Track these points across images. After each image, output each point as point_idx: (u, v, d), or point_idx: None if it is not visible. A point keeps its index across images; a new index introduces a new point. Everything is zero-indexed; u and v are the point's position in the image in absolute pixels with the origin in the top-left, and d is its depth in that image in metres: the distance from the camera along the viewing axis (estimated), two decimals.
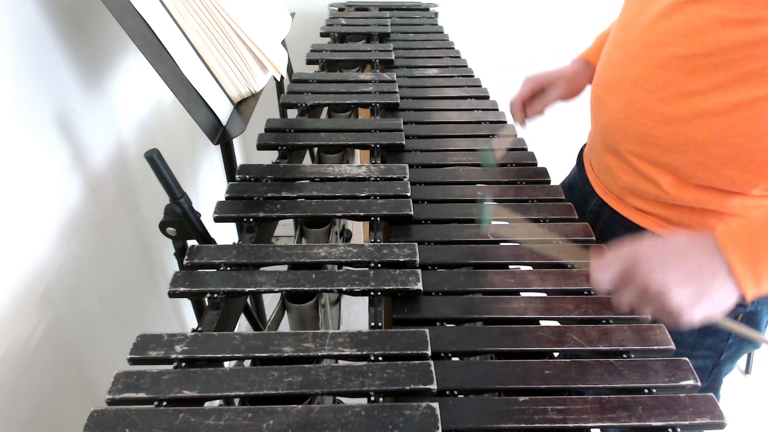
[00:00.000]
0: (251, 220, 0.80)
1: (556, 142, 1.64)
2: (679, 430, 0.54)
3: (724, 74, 0.63)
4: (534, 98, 0.96)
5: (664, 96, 0.69)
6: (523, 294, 0.70)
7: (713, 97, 0.65)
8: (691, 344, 0.81)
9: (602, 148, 0.83)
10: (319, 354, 0.59)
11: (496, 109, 1.13)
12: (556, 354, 0.63)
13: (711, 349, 0.82)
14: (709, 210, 0.73)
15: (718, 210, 0.72)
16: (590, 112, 0.85)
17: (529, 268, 0.74)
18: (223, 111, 0.96)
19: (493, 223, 0.82)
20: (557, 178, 0.98)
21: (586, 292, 0.70)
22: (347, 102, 1.10)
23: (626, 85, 0.73)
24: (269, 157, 0.98)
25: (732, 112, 0.64)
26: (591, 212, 0.89)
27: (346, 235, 1.42)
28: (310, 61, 1.31)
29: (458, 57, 1.37)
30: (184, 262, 0.71)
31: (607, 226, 0.86)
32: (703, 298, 0.54)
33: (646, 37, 0.70)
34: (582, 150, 0.98)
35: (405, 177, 0.88)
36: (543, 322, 0.67)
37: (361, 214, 0.80)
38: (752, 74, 0.61)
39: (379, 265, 0.71)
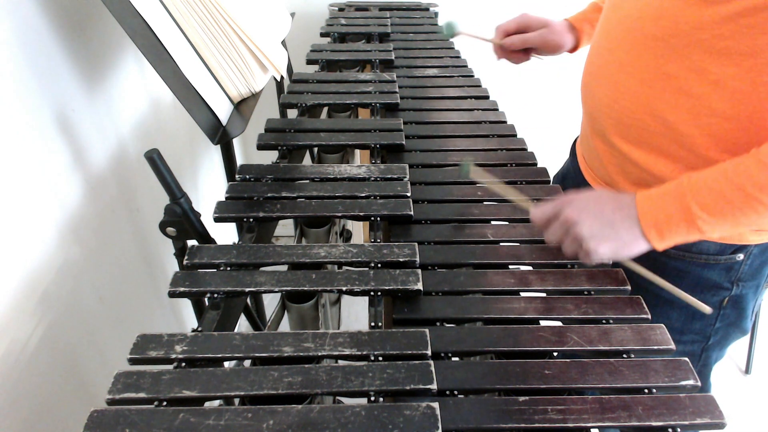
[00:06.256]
0: (251, 220, 0.80)
1: (549, 134, 1.65)
2: (679, 430, 0.54)
3: (698, 55, 0.65)
4: (517, 33, 0.97)
5: (645, 78, 0.71)
6: (523, 294, 0.70)
7: (689, 77, 0.67)
8: (680, 329, 0.83)
9: (591, 134, 0.85)
10: (319, 354, 0.59)
11: (496, 109, 1.12)
12: (556, 354, 0.63)
13: (699, 333, 0.84)
14: None
15: None
16: (581, 100, 0.86)
17: (529, 268, 0.74)
18: (223, 111, 0.96)
19: (494, 223, 0.82)
20: (551, 168, 0.98)
21: (586, 292, 0.70)
22: (347, 102, 1.10)
23: (611, 70, 0.76)
24: (269, 157, 0.98)
25: (708, 93, 0.66)
26: None
27: (346, 235, 1.42)
28: (310, 61, 1.31)
29: (458, 57, 1.37)
30: (184, 262, 0.71)
31: None
32: (610, 237, 0.65)
33: (627, 22, 0.73)
34: (575, 141, 1.00)
35: (405, 177, 0.88)
36: (543, 322, 0.67)
37: (361, 214, 0.80)
38: (723, 53, 0.63)
39: (379, 265, 0.71)
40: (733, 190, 0.60)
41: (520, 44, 0.96)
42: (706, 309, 0.66)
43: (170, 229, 0.77)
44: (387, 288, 0.68)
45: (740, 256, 0.77)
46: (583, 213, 0.65)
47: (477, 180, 0.82)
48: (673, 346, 0.63)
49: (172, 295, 0.67)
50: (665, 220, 0.63)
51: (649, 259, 0.80)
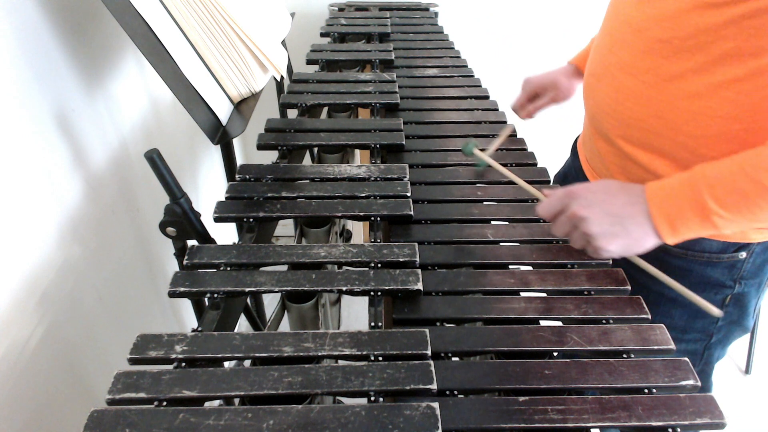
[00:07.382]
0: (251, 220, 0.80)
1: (551, 132, 1.65)
2: (679, 430, 0.54)
3: (702, 57, 0.65)
4: (529, 101, 1.06)
5: (647, 80, 0.71)
6: (523, 294, 0.70)
7: (693, 79, 0.67)
8: (682, 327, 0.83)
9: (593, 134, 0.85)
10: (319, 354, 0.59)
11: (496, 109, 1.12)
12: (556, 354, 0.63)
13: (701, 332, 0.84)
14: None
15: None
16: (583, 101, 0.87)
17: (529, 268, 0.74)
18: (223, 111, 0.96)
19: (494, 223, 0.82)
20: (552, 167, 0.99)
21: (586, 292, 0.70)
22: (347, 102, 1.10)
23: (613, 71, 0.76)
24: (269, 157, 0.98)
25: (711, 94, 0.66)
26: None
27: (346, 235, 1.42)
28: (310, 61, 1.31)
29: (458, 57, 1.37)
30: (184, 262, 0.71)
31: None
32: (619, 234, 0.63)
33: (630, 24, 0.73)
34: (576, 140, 1.01)
35: (405, 177, 0.88)
36: (543, 322, 0.67)
37: (361, 214, 0.80)
38: (726, 56, 0.63)
39: (379, 265, 0.71)
40: (751, 184, 0.59)
41: (534, 112, 1.06)
42: (715, 311, 0.64)
43: (170, 229, 0.77)
44: (387, 288, 0.68)
45: (743, 254, 0.77)
46: (592, 209, 0.64)
47: (480, 162, 0.84)
48: (673, 346, 0.63)
49: (172, 295, 0.67)
50: (678, 214, 0.62)
51: (650, 257, 0.80)
